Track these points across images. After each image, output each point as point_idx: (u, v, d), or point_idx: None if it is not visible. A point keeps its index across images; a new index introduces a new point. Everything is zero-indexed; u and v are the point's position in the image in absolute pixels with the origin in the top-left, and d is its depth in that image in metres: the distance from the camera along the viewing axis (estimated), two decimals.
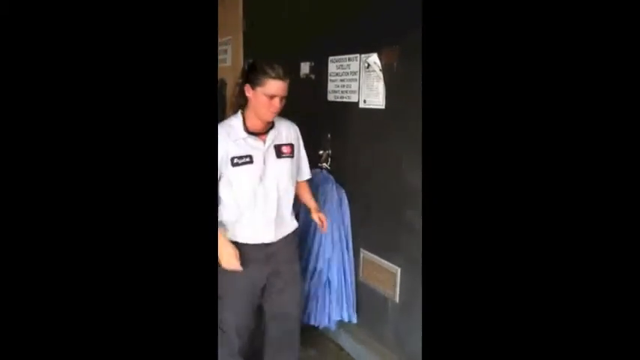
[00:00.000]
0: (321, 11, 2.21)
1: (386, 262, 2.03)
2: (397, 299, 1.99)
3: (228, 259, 1.50)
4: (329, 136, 2.26)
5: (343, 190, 2.18)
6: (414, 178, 1.78)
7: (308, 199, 1.85)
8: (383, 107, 1.92)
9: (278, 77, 1.46)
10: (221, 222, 1.58)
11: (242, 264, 1.52)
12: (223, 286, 1.45)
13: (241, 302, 1.62)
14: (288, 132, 1.65)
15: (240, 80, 1.55)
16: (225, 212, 1.58)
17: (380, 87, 1.90)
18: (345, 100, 2.12)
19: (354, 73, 2.03)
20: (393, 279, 1.99)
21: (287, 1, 2.47)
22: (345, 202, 2.19)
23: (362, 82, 2.00)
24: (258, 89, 1.47)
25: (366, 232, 2.13)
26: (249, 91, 1.50)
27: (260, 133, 1.56)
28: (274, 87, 1.46)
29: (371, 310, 2.15)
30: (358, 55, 1.99)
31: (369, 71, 1.95)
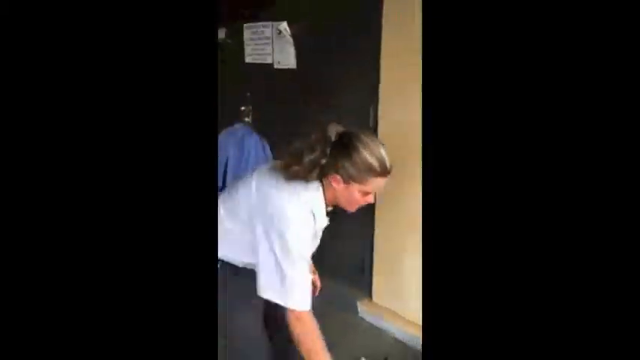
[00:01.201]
0: None
1: None
2: None
3: None
4: (249, 94, 2.59)
5: (265, 140, 2.56)
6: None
7: None
8: (295, 67, 2.29)
9: (384, 174, 1.07)
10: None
11: None
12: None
13: None
14: None
15: (323, 160, 1.07)
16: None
17: (291, 50, 2.27)
18: (261, 61, 2.44)
19: (268, 38, 2.37)
20: None
21: None
22: (268, 149, 2.56)
23: (275, 46, 2.34)
24: (354, 185, 1.08)
25: None
26: (337, 183, 1.08)
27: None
28: (376, 184, 1.09)
29: None
30: (270, 23, 2.31)
31: (280, 37, 2.29)
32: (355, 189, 1.08)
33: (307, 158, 1.07)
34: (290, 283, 1.04)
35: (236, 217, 1.14)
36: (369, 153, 1.05)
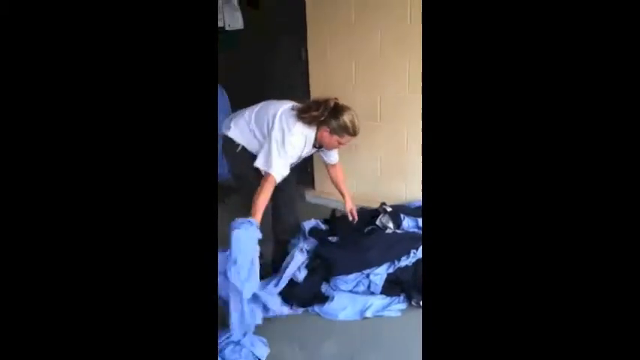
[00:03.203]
0: None
1: None
2: None
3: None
4: None
5: (223, 89, 3.29)
6: (273, 69, 2.99)
7: None
8: (242, 28, 3.04)
9: (353, 134, 1.87)
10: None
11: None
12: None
13: None
14: None
15: (322, 118, 1.83)
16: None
17: (238, 15, 3.01)
18: None
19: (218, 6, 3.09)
20: None
21: None
22: (225, 95, 3.31)
23: (225, 12, 3.07)
24: (335, 137, 1.88)
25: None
26: (326, 133, 1.88)
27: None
28: (347, 139, 1.90)
29: None
30: None
31: (229, 4, 3.02)
32: (335, 139, 1.89)
33: (313, 114, 1.84)
34: (274, 161, 1.77)
35: (261, 125, 1.92)
36: (348, 119, 1.84)
